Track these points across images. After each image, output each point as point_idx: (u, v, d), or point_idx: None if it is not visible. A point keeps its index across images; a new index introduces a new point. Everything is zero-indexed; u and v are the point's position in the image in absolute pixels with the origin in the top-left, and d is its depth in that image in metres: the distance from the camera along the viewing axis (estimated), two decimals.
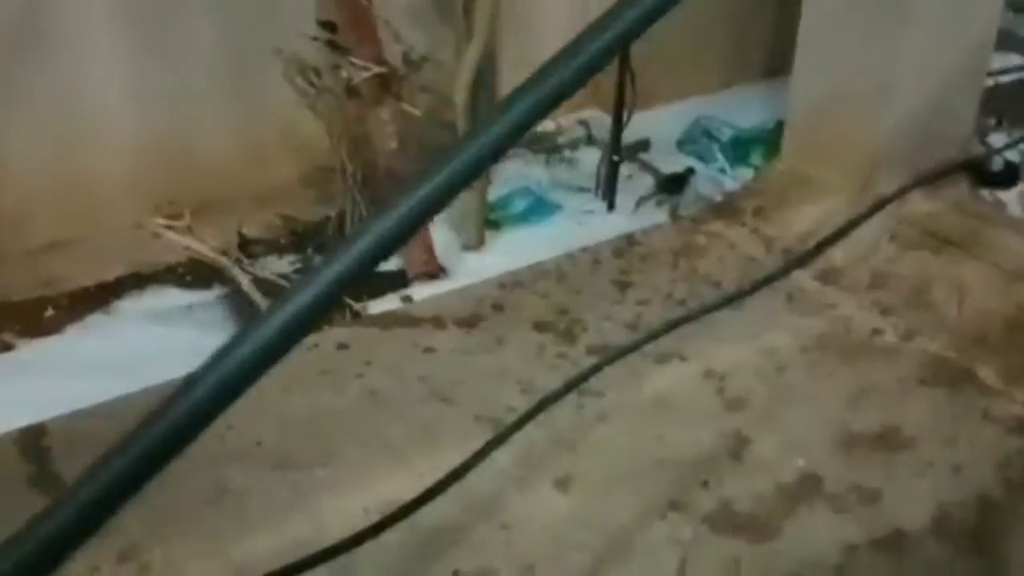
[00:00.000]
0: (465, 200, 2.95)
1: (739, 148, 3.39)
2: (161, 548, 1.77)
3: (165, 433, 0.94)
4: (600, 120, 3.43)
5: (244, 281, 2.35)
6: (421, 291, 2.77)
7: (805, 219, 2.80)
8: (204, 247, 2.35)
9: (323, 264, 1.02)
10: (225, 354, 0.96)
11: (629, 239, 2.73)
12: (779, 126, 3.17)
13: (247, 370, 0.97)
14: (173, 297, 2.83)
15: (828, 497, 1.86)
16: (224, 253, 2.41)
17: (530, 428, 2.05)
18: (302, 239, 3.04)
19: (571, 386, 2.15)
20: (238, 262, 2.41)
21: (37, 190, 2.88)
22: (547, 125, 3.43)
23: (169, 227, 2.32)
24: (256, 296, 2.38)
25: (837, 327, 2.36)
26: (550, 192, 3.21)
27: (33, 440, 2.06)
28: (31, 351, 2.60)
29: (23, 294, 2.77)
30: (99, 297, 2.80)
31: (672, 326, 2.32)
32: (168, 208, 2.43)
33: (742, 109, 3.64)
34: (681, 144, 3.50)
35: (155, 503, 1.84)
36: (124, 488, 0.93)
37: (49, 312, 2.72)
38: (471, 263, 2.91)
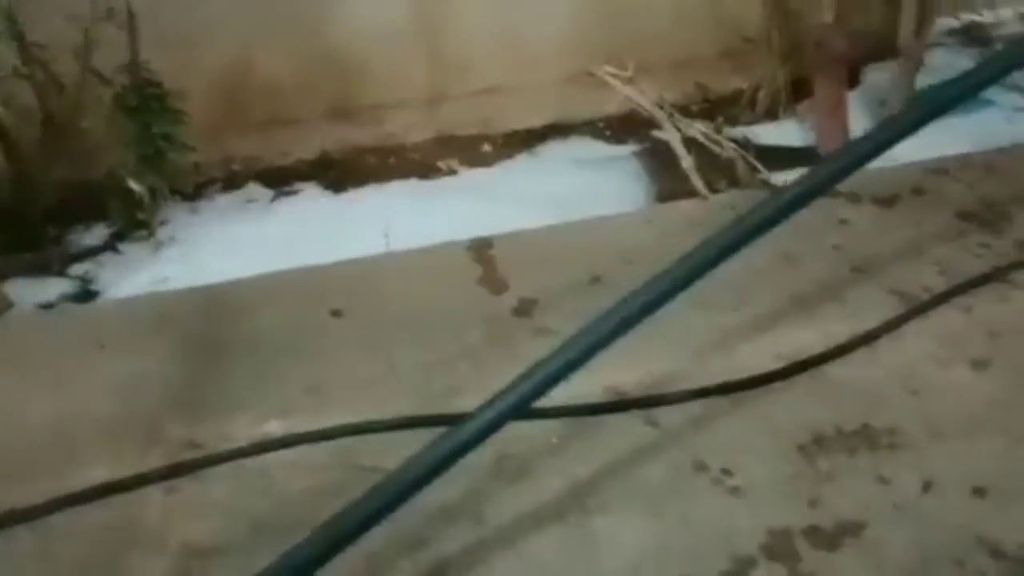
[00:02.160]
0: (891, 83, 2.89)
1: None
2: None
3: None
4: None
5: (673, 136, 2.49)
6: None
7: None
8: (644, 99, 2.51)
9: None
10: None
11: None
12: None
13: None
14: (592, 148, 3.07)
15: None
16: (651, 111, 2.56)
17: (947, 308, 2.05)
18: (714, 107, 3.15)
19: (997, 274, 2.10)
20: (671, 117, 2.55)
21: (478, 41, 3.19)
22: (984, 16, 3.24)
23: (615, 76, 2.50)
24: (681, 151, 2.51)
25: None
26: None
27: (482, 249, 2.36)
28: (469, 178, 2.94)
29: (464, 130, 3.12)
30: (527, 140, 3.10)
31: None
32: (605, 62, 2.61)
33: None
34: None
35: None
36: None
37: (485, 147, 3.06)
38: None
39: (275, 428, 1.90)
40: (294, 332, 2.15)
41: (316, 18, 2.95)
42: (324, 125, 3.09)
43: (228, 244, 2.65)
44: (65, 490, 1.73)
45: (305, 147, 3.02)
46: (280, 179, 2.95)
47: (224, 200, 2.90)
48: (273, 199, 2.88)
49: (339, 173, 2.98)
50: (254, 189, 2.93)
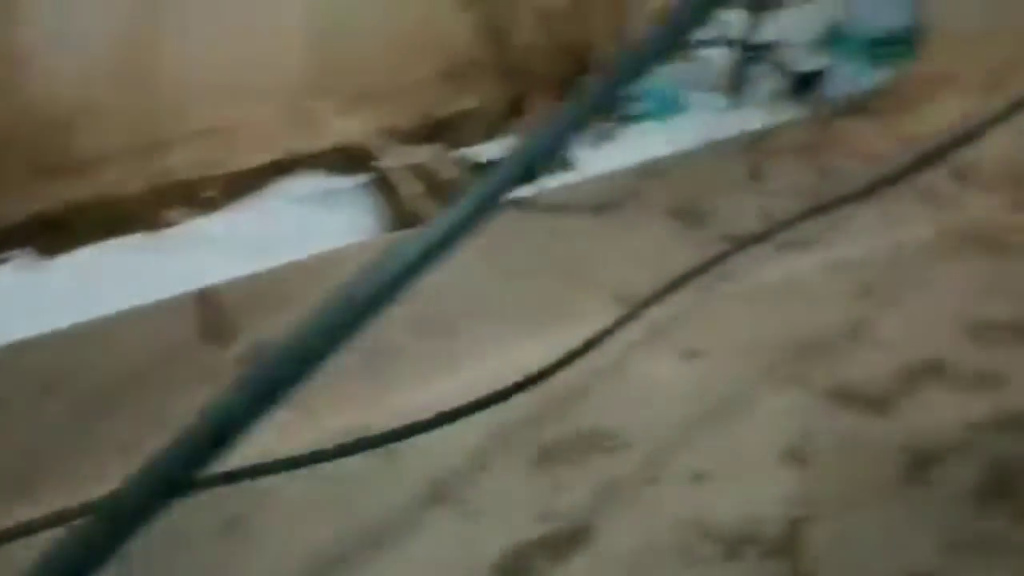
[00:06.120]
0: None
1: (877, 49, 3.34)
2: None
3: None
4: (735, 20, 3.41)
5: (394, 166, 2.50)
6: (549, 182, 2.87)
7: (940, 119, 2.77)
8: (365, 129, 2.50)
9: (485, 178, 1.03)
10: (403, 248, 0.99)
11: (760, 134, 2.77)
12: (916, 28, 3.12)
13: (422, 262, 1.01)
14: (319, 183, 3.02)
15: (951, 379, 1.91)
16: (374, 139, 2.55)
17: (660, 307, 2.16)
18: (438, 130, 3.18)
19: (700, 269, 2.24)
20: (392, 143, 2.56)
21: (190, 81, 3.06)
22: None
23: (332, 108, 2.47)
24: (404, 180, 2.52)
25: (970, 224, 2.36)
26: (679, 90, 3.24)
27: (207, 299, 2.27)
28: (193, 227, 2.82)
29: (185, 175, 2.99)
30: (252, 181, 3.01)
31: (802, 217, 2.37)
32: (323, 93, 2.58)
33: (879, 10, 3.57)
34: (816, 45, 3.47)
35: None
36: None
37: (209, 192, 2.94)
38: (598, 157, 2.98)
39: None
40: None
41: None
42: (30, 185, 2.86)
43: None
44: None
45: (10, 211, 2.79)
46: None
47: None
48: None
49: (52, 235, 2.77)
50: None
